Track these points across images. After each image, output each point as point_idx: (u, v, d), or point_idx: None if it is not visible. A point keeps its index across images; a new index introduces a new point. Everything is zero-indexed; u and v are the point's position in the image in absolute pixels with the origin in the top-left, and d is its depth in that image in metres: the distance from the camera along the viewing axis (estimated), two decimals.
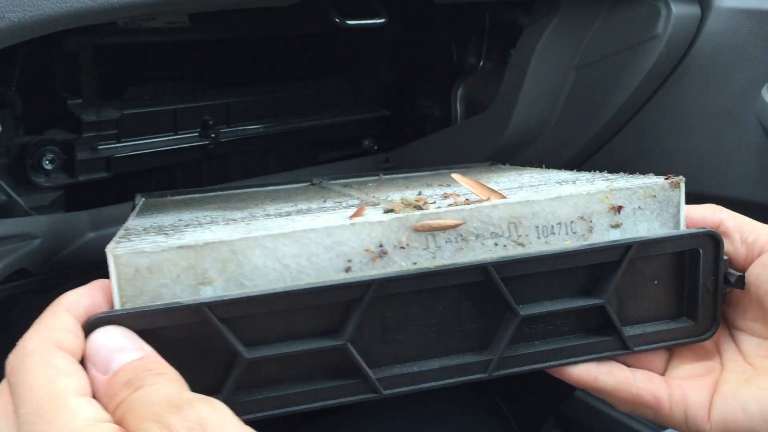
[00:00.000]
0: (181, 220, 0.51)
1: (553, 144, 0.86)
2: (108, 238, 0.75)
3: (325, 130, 0.90)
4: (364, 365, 0.41)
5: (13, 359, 0.34)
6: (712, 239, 0.45)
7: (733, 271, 0.46)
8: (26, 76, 0.69)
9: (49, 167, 0.71)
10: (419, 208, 0.43)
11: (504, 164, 0.77)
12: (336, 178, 0.70)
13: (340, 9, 0.68)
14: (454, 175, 0.51)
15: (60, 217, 0.73)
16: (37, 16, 0.45)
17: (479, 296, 0.43)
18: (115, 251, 0.38)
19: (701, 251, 0.46)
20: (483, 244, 0.43)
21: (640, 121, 0.84)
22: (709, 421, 0.44)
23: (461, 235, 0.43)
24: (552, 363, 0.45)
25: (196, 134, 0.81)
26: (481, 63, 0.92)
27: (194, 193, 0.68)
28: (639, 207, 0.46)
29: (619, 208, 0.45)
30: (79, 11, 0.46)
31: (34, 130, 0.71)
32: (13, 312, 0.74)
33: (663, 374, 0.48)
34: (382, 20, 0.70)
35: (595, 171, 0.56)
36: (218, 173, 0.86)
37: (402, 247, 0.42)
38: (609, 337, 0.46)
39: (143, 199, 0.66)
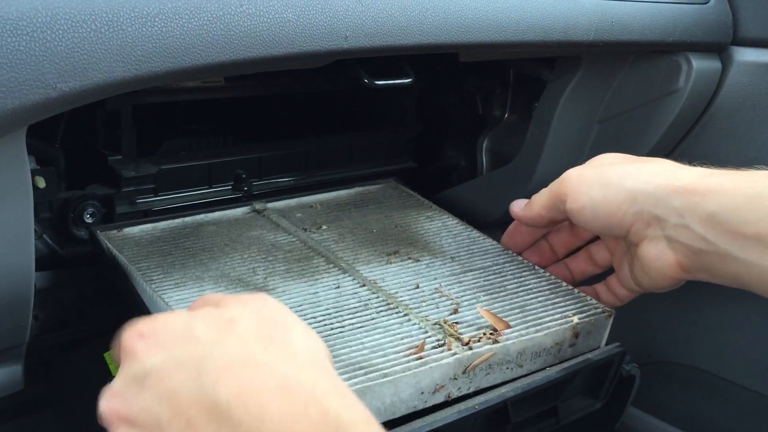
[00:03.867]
0: None
1: None
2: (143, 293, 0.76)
3: (354, 181, 0.92)
4: None
5: None
6: (622, 354, 0.63)
7: (625, 367, 0.64)
8: (69, 134, 0.72)
9: (90, 221, 0.74)
10: (459, 339, 0.58)
11: (413, 191, 0.86)
12: (271, 200, 0.81)
13: (368, 70, 0.71)
14: (480, 309, 0.62)
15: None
16: (87, 85, 0.47)
17: (492, 410, 0.57)
18: None
19: (613, 361, 0.63)
20: (500, 368, 0.59)
21: None
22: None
23: (489, 364, 0.58)
24: None
25: (230, 187, 0.83)
26: (506, 115, 0.94)
27: (143, 223, 0.74)
28: (588, 332, 0.63)
29: (577, 335, 0.62)
30: (126, 80, 0.49)
31: (76, 185, 0.74)
32: (54, 362, 0.76)
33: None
34: (409, 80, 0.73)
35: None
36: None
37: (454, 379, 0.57)
38: (552, 417, 0.63)
39: (102, 233, 0.71)
